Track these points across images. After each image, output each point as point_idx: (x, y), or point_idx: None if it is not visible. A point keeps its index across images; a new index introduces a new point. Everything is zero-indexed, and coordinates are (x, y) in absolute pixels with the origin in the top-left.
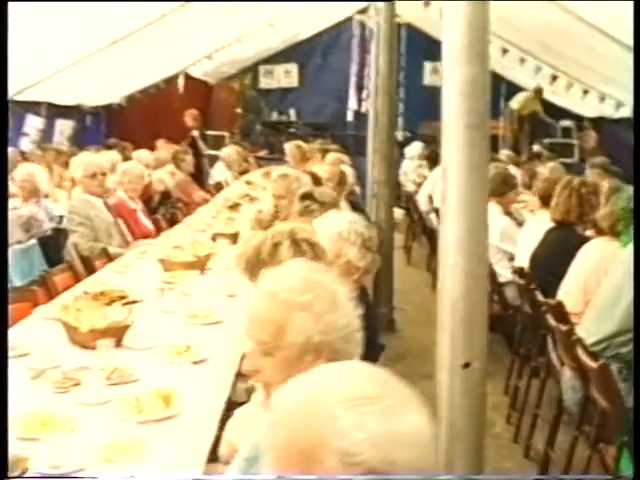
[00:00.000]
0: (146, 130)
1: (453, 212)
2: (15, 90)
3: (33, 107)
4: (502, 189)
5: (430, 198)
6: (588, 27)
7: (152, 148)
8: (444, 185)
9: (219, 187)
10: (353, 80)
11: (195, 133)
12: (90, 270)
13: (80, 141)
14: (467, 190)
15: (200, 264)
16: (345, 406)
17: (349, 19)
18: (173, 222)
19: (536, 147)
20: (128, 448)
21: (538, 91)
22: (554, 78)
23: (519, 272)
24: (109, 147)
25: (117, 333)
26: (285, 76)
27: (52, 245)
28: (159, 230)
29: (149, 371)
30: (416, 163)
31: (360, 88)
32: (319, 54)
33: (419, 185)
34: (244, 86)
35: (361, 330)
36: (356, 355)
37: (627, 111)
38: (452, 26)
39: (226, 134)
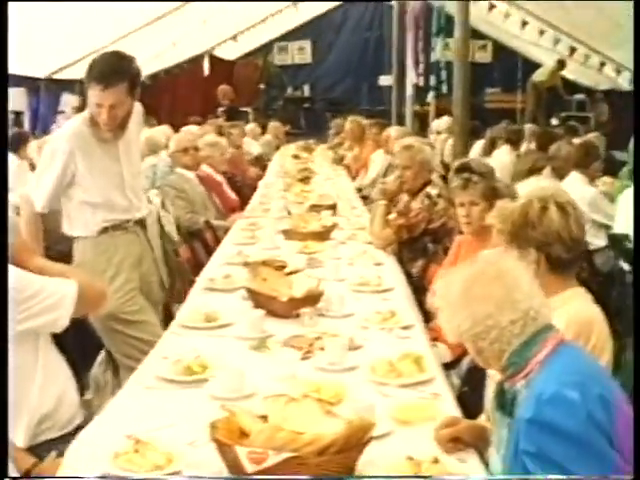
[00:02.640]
0: (170, 107)
1: None
2: (52, 69)
3: (68, 85)
4: (587, 160)
5: None
6: None
7: (177, 125)
8: None
9: (260, 162)
10: (410, 55)
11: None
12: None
13: None
14: None
15: (327, 234)
16: None
17: None
18: (241, 197)
19: (554, 120)
20: (416, 409)
21: (561, 63)
22: (572, 50)
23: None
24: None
25: (314, 301)
26: (299, 53)
27: None
28: None
29: (366, 338)
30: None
31: (417, 62)
32: (332, 31)
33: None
34: (268, 62)
35: None
36: None
37: None
38: None
39: (249, 110)
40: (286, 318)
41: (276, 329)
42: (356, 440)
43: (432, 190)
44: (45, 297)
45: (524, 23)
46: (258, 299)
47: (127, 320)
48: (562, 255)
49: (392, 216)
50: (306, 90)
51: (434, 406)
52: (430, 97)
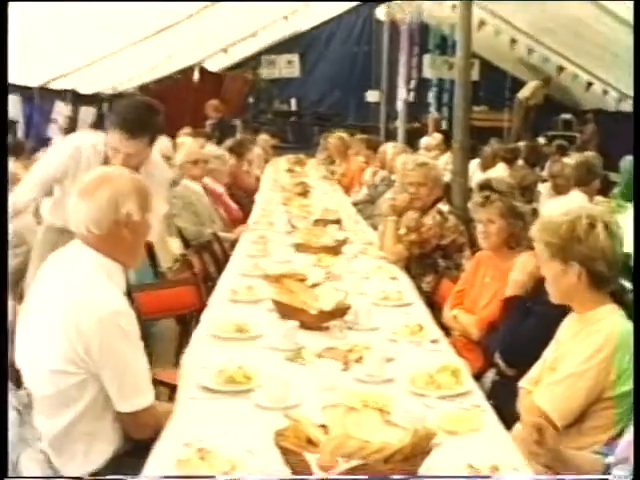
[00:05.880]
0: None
1: None
2: (47, 79)
3: (60, 94)
4: (587, 178)
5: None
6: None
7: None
8: None
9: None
10: (402, 71)
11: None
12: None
13: (99, 128)
14: None
15: (339, 248)
16: None
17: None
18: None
19: (540, 139)
20: (461, 420)
21: (546, 80)
22: (561, 69)
23: None
24: None
25: (342, 314)
26: (286, 66)
27: None
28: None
29: (397, 350)
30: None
31: (409, 79)
32: (320, 45)
33: None
34: (257, 76)
35: None
36: None
37: (627, 105)
38: None
39: (238, 123)
40: (315, 330)
41: (307, 341)
42: (421, 449)
43: (443, 206)
44: None
45: (513, 41)
46: (286, 311)
47: None
48: (604, 271)
49: (402, 231)
50: (293, 104)
51: (479, 417)
52: (432, 112)
